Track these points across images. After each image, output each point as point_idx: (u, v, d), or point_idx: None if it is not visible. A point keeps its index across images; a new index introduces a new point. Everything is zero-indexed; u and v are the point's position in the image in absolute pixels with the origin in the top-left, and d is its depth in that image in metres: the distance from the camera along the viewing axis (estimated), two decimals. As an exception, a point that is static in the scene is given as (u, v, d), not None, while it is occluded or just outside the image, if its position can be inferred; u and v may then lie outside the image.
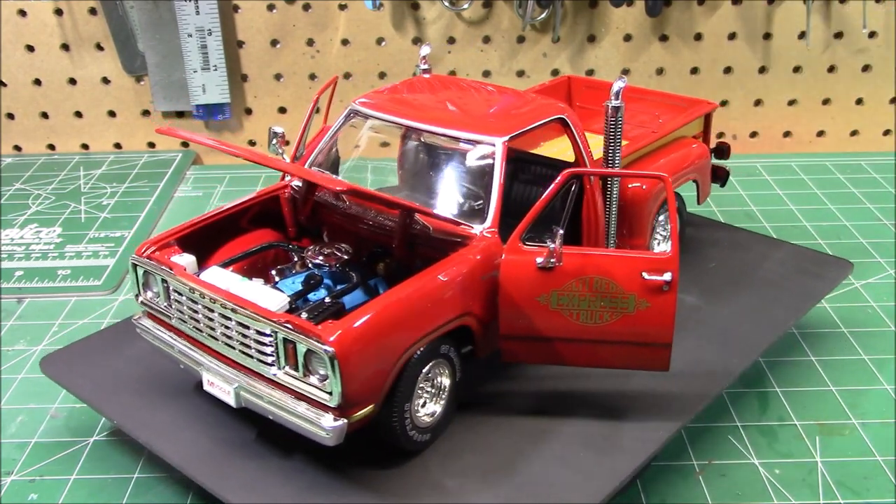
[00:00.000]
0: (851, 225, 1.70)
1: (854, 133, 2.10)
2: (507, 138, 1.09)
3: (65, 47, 2.02)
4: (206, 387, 1.01)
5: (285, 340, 0.91)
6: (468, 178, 1.13)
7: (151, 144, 2.14)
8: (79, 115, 2.10)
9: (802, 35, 1.98)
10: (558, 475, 0.97)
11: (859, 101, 2.07)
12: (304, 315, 0.95)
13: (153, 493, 1.06)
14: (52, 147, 2.14)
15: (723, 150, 1.45)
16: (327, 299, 1.01)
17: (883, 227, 1.69)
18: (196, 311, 1.00)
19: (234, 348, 0.97)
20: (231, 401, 0.99)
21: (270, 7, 1.99)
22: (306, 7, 1.98)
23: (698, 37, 2.00)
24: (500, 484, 0.96)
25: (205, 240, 1.11)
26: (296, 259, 1.15)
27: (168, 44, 1.98)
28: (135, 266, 1.07)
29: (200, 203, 1.86)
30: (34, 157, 2.10)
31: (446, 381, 1.02)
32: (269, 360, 0.94)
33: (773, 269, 1.37)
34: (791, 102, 2.06)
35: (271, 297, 0.96)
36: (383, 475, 0.97)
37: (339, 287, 1.06)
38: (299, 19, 1.99)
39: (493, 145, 1.09)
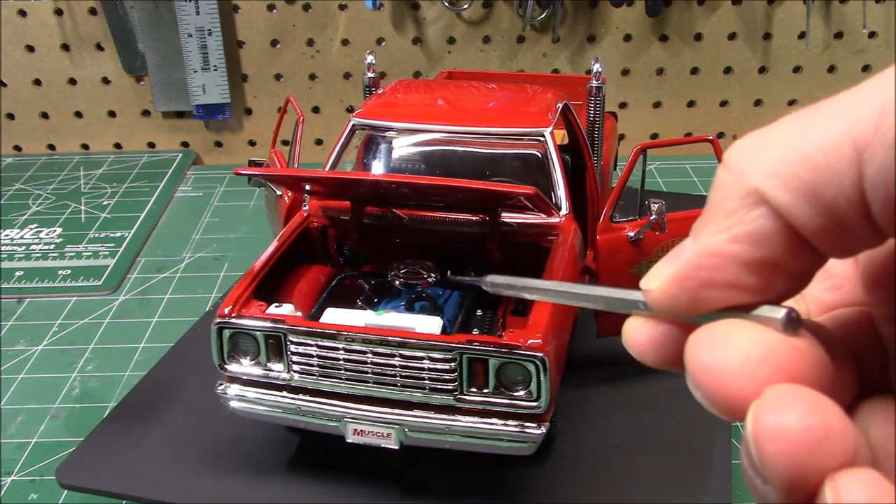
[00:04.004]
0: (851, 225, 1.69)
1: (854, 133, 2.10)
2: (551, 127, 1.12)
3: (65, 47, 2.02)
4: (352, 437, 0.93)
5: (471, 361, 0.87)
6: (514, 171, 1.14)
7: (151, 144, 2.14)
8: (79, 115, 2.10)
9: (802, 35, 1.98)
10: (679, 431, 1.04)
11: (859, 101, 2.07)
12: (475, 331, 0.94)
13: (153, 493, 1.06)
14: (52, 147, 2.14)
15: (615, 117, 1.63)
16: (478, 312, 1.00)
17: (883, 227, 1.69)
18: (336, 360, 0.91)
19: (395, 386, 0.90)
20: (392, 444, 0.92)
21: (270, 7, 1.99)
22: (306, 7, 1.98)
23: (698, 37, 2.00)
24: (651, 450, 1.02)
25: (264, 288, 1.01)
26: (366, 286, 1.09)
27: (168, 44, 1.98)
28: (220, 331, 0.94)
29: (200, 203, 1.86)
30: (34, 157, 2.10)
31: None
32: (450, 386, 0.89)
33: None
34: (791, 102, 2.06)
35: (427, 322, 0.92)
36: (554, 477, 0.99)
37: (448, 302, 1.03)
38: (299, 19, 1.99)
39: (543, 136, 1.11)
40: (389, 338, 0.89)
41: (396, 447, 0.92)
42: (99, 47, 2.03)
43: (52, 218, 1.78)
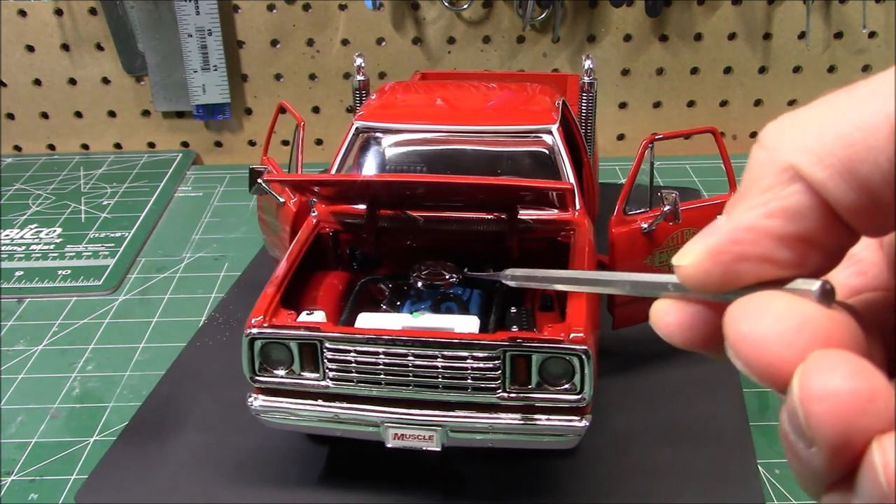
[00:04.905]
0: (851, 225, 1.69)
1: (854, 133, 2.10)
2: (557, 124, 1.13)
3: (65, 47, 2.02)
4: (392, 442, 0.92)
5: (514, 358, 0.87)
6: (523, 168, 1.15)
7: (151, 144, 2.14)
8: (79, 115, 2.10)
9: (802, 35, 1.98)
10: (700, 408, 1.09)
11: (859, 101, 2.07)
12: (514, 328, 0.95)
13: (153, 493, 1.06)
14: (52, 147, 2.14)
15: None
16: (512, 309, 1.00)
17: (883, 227, 1.69)
18: (375, 364, 0.89)
19: (436, 388, 0.89)
20: (434, 446, 0.91)
21: (270, 7, 1.99)
22: (306, 7, 1.98)
23: (698, 37, 2.00)
24: (675, 439, 1.05)
25: (286, 297, 1.00)
26: (386, 290, 1.09)
27: (168, 44, 1.98)
28: (252, 342, 0.91)
29: (200, 203, 1.86)
30: (34, 157, 2.10)
31: None
32: (493, 384, 0.88)
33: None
34: (791, 102, 2.06)
35: (465, 322, 0.92)
36: (585, 470, 1.01)
37: (470, 301, 1.04)
38: (299, 19, 1.99)
39: (551, 132, 1.12)
40: (433, 339, 0.88)
41: (438, 449, 0.91)
42: (99, 47, 2.03)
43: (52, 218, 1.78)
